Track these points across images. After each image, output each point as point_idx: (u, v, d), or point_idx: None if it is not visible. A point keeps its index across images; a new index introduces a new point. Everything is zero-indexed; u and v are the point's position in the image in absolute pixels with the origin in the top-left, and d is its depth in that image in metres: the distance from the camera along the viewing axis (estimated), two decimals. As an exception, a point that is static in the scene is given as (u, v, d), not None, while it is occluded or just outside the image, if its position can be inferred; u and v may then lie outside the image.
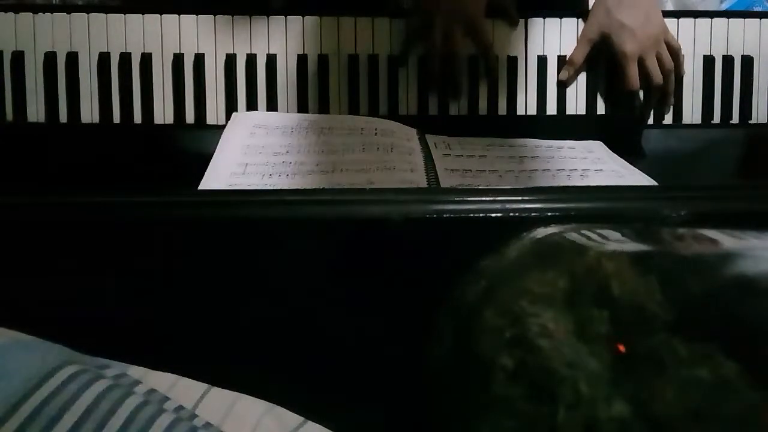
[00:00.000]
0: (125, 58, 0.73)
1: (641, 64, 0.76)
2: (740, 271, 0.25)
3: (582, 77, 0.78)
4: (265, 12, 0.75)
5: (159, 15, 0.74)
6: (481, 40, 0.75)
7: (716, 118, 0.79)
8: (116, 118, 0.73)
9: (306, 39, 0.75)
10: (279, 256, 0.36)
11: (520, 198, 0.37)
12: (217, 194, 0.46)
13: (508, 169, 0.59)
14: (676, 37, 0.78)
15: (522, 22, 0.77)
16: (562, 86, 0.77)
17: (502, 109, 0.77)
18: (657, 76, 0.76)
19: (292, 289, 0.36)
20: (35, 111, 0.72)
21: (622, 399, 0.22)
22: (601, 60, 0.77)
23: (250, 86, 0.74)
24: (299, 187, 0.52)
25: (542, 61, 0.77)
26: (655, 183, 0.56)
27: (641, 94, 0.78)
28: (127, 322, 0.35)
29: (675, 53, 0.77)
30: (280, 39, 0.75)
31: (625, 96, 0.77)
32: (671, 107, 0.78)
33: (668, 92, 0.77)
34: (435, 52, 0.74)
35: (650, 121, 0.78)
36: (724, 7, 1.38)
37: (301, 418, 0.29)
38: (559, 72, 0.77)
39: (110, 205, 0.36)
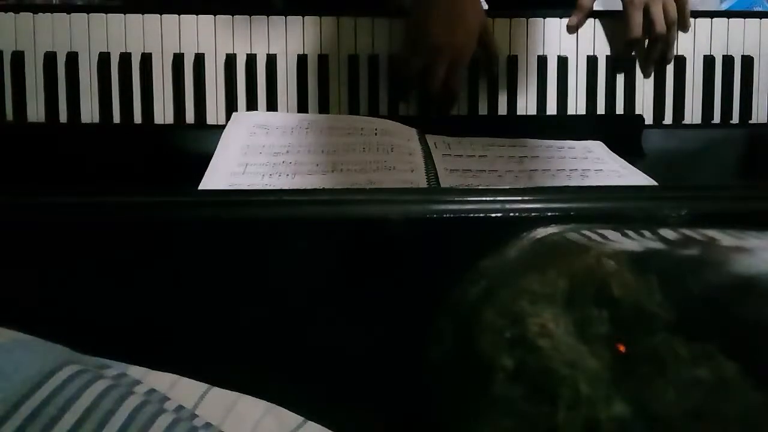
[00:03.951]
0: (125, 58, 0.73)
1: (646, 12, 0.76)
2: (740, 271, 0.25)
3: (582, 77, 0.78)
4: (265, 12, 0.75)
5: (159, 15, 0.74)
6: (453, 84, 0.74)
7: (716, 118, 0.79)
8: (116, 118, 0.73)
9: (306, 39, 0.75)
10: (279, 257, 0.36)
11: (520, 198, 0.37)
12: (217, 194, 0.46)
13: (508, 169, 0.59)
14: (676, 37, 0.78)
15: (522, 22, 0.77)
16: (570, 31, 0.77)
17: (502, 109, 0.77)
18: (660, 25, 0.76)
19: (292, 289, 0.36)
20: (35, 111, 0.72)
21: (622, 399, 0.22)
22: (602, 59, 0.78)
23: (250, 86, 0.74)
24: (299, 187, 0.52)
25: (542, 61, 0.77)
26: (655, 183, 0.56)
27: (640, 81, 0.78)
28: (127, 322, 0.35)
29: (681, 6, 0.77)
30: (280, 39, 0.75)
31: (627, 44, 0.77)
32: (671, 60, 0.78)
33: (669, 44, 0.77)
34: (416, 82, 0.74)
35: (650, 121, 0.78)
36: (724, 7, 1.39)
37: (301, 418, 0.29)
38: (559, 72, 0.77)
39: (110, 205, 0.36)
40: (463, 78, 0.75)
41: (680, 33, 0.79)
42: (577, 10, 0.77)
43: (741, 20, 0.79)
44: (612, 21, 0.79)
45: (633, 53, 0.78)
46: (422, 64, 0.73)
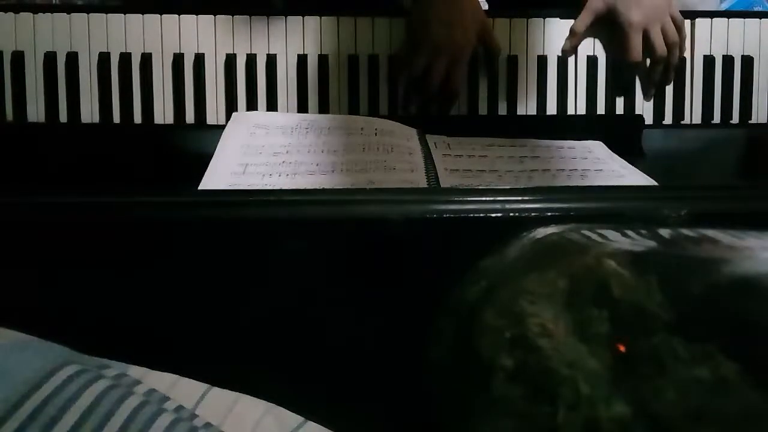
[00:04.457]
0: (125, 58, 0.73)
1: (645, 35, 0.75)
2: (740, 271, 0.25)
3: (582, 77, 0.78)
4: (265, 12, 0.75)
5: (159, 15, 0.74)
6: (454, 83, 0.74)
7: (716, 118, 0.79)
8: (116, 118, 0.73)
9: (306, 39, 0.75)
10: (279, 256, 0.36)
11: (520, 198, 0.37)
12: (217, 194, 0.46)
13: (508, 169, 0.59)
14: (678, 58, 0.78)
15: (522, 22, 0.77)
16: (564, 55, 0.77)
17: (502, 109, 0.77)
18: (661, 48, 0.75)
19: (292, 289, 0.36)
20: (35, 111, 0.72)
21: (622, 399, 0.22)
22: (602, 58, 0.78)
23: (250, 86, 0.74)
24: (299, 187, 0.52)
25: (542, 61, 0.77)
26: (655, 183, 0.56)
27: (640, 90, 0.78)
28: (127, 322, 0.35)
29: (679, 27, 0.76)
30: (280, 39, 0.75)
31: (627, 67, 0.76)
32: (672, 81, 0.78)
33: (670, 66, 0.77)
34: (416, 80, 0.74)
35: (650, 121, 0.78)
36: (724, 7, 1.38)
37: (301, 418, 0.29)
38: (559, 72, 0.77)
39: (110, 205, 0.36)
40: (463, 77, 0.75)
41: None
42: (570, 35, 0.76)
43: (741, 20, 0.79)
44: (612, 21, 0.78)
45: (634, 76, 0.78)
46: (423, 63, 0.73)
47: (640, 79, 0.78)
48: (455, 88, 0.74)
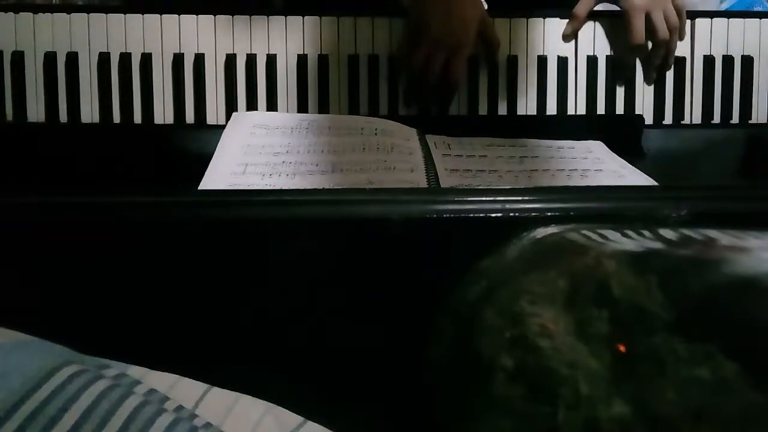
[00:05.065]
0: (125, 58, 0.73)
1: (648, 18, 0.76)
2: (740, 271, 0.25)
3: (582, 77, 0.78)
4: (265, 12, 0.75)
5: (159, 15, 0.74)
6: (454, 75, 0.74)
7: (716, 118, 0.79)
8: (116, 118, 0.73)
9: (306, 39, 0.75)
10: (279, 257, 0.36)
11: (520, 198, 0.37)
12: (217, 194, 0.46)
13: (508, 169, 0.59)
14: (677, 42, 0.78)
15: (522, 22, 0.77)
16: (566, 40, 0.77)
17: (502, 109, 0.77)
18: (663, 31, 0.76)
19: (292, 289, 0.36)
20: (35, 111, 0.72)
21: (622, 399, 0.22)
22: (602, 59, 0.78)
23: (250, 86, 0.74)
24: (299, 187, 0.52)
25: (542, 61, 0.77)
26: (655, 183, 0.56)
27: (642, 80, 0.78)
28: (127, 322, 0.35)
29: (680, 12, 0.77)
30: (280, 39, 0.75)
31: (629, 50, 0.77)
32: (672, 66, 0.79)
33: (670, 50, 0.78)
34: (416, 72, 0.74)
35: (650, 121, 0.78)
36: (724, 7, 1.38)
37: (301, 418, 0.29)
38: (559, 72, 0.77)
39: (110, 205, 0.36)
40: (463, 75, 0.75)
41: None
42: (572, 19, 0.77)
43: (741, 20, 0.79)
44: (612, 21, 0.79)
45: (635, 58, 0.78)
46: (422, 56, 0.73)
47: (641, 63, 0.78)
48: (455, 81, 0.74)
